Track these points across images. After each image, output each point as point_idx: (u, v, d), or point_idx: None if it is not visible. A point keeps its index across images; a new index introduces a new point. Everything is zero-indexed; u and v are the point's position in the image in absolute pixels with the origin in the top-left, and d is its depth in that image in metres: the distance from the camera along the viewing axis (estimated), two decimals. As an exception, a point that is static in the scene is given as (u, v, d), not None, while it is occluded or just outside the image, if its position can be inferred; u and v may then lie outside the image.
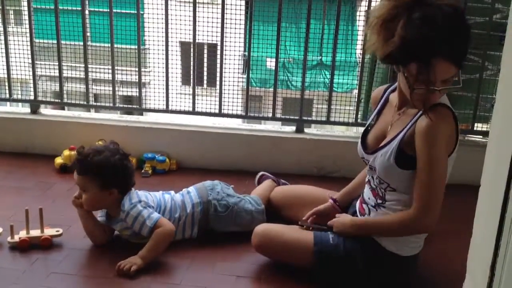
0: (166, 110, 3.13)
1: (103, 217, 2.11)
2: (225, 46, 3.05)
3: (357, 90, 3.14)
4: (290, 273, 1.93)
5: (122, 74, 3.34)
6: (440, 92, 1.65)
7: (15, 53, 3.16)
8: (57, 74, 3.16)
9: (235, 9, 3.09)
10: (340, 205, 2.10)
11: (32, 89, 3.18)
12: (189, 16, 2.99)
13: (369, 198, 1.90)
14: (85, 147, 2.08)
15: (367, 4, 2.92)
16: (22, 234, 2.06)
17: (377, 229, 1.83)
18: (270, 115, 3.14)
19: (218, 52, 3.06)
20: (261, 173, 2.67)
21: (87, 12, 3.26)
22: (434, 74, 1.60)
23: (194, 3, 2.96)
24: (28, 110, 3.20)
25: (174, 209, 2.14)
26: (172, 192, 2.24)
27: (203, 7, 3.18)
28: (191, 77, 3.15)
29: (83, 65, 3.12)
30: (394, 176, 1.76)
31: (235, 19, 3.08)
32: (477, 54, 2.91)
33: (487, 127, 3.03)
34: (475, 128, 3.03)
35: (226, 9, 2.98)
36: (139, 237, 2.04)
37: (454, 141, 1.72)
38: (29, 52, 3.13)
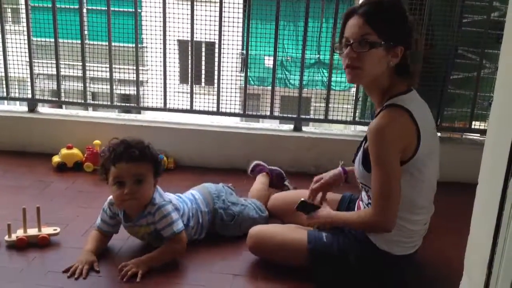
0: (164, 109, 3.13)
1: (114, 218, 2.04)
2: (223, 44, 3.04)
3: (355, 88, 3.14)
4: (286, 272, 1.93)
5: (120, 72, 3.33)
6: (351, 48, 1.70)
7: (12, 52, 3.16)
8: (54, 73, 3.16)
9: (233, 8, 3.09)
10: (347, 178, 2.11)
11: (29, 88, 3.17)
12: (187, 14, 2.99)
13: (364, 196, 1.92)
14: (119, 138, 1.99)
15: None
16: (20, 232, 2.06)
17: (344, 223, 1.87)
18: (268, 113, 3.14)
19: (216, 50, 3.06)
20: (254, 162, 2.68)
21: (84, 10, 3.25)
22: (347, 29, 1.74)
23: (192, 1, 2.96)
24: (25, 108, 3.20)
25: (188, 217, 2.11)
26: (183, 196, 2.19)
27: (201, 5, 3.17)
28: (189, 75, 3.15)
29: (80, 64, 3.12)
30: (369, 181, 1.78)
31: (233, 18, 3.07)
32: (475, 52, 2.91)
33: (484, 125, 3.04)
34: (472, 126, 3.04)
35: (224, 7, 2.98)
36: (151, 239, 2.01)
37: (414, 141, 1.70)
38: (27, 50, 3.12)
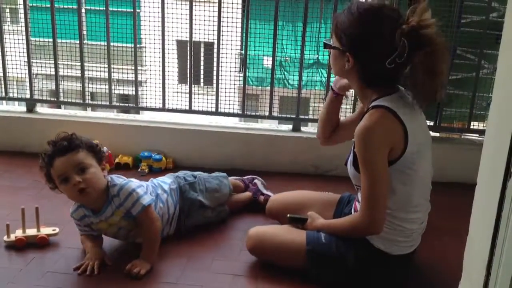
0: (163, 109, 3.12)
1: (84, 225, 2.02)
2: (222, 44, 3.04)
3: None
4: (286, 272, 1.93)
5: (118, 72, 3.33)
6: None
7: (11, 52, 3.15)
8: (53, 73, 3.15)
9: (232, 8, 3.09)
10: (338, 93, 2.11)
11: (28, 88, 3.17)
12: (186, 14, 2.99)
13: (360, 197, 1.91)
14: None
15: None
16: (18, 233, 2.06)
17: (335, 230, 1.88)
18: (267, 113, 3.14)
19: (215, 50, 3.06)
20: (255, 180, 2.62)
21: (83, 10, 3.25)
22: None
23: (191, 1, 2.96)
24: (24, 108, 3.19)
25: (154, 187, 2.14)
26: (144, 182, 2.16)
27: (200, 5, 3.17)
28: (188, 75, 3.15)
29: (79, 64, 3.12)
30: (361, 182, 1.78)
31: (232, 18, 3.07)
32: (474, 52, 2.91)
33: (483, 126, 3.04)
34: (471, 127, 3.04)
35: (223, 7, 2.97)
36: (127, 229, 2.01)
37: (401, 140, 1.70)
38: (25, 50, 3.12)
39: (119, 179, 2.01)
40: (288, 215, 2.03)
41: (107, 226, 2.01)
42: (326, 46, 1.87)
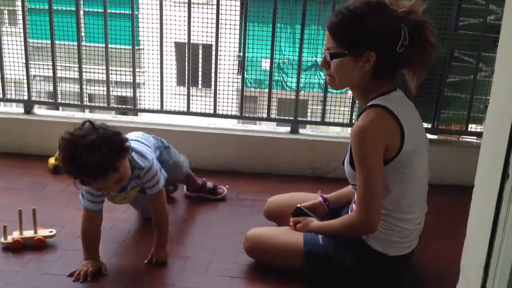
0: (161, 111, 3.12)
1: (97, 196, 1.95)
2: (220, 46, 3.05)
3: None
4: (284, 274, 1.92)
5: (116, 74, 3.32)
6: (324, 55, 1.77)
7: (9, 53, 3.15)
8: (51, 74, 3.15)
9: (230, 10, 3.09)
10: (329, 205, 2.13)
11: (26, 89, 3.17)
12: (184, 16, 2.99)
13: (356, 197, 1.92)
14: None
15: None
16: (15, 234, 2.05)
17: (329, 230, 1.89)
18: (265, 115, 3.14)
19: (213, 52, 3.06)
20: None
21: (81, 12, 3.25)
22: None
23: (189, 3, 2.96)
24: (22, 110, 3.19)
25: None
26: (145, 142, 2.17)
27: (198, 7, 3.18)
28: (186, 77, 3.15)
29: (77, 66, 3.12)
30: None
31: (230, 20, 3.07)
32: (471, 55, 2.92)
33: (481, 128, 3.04)
34: (469, 129, 3.04)
35: (221, 10, 2.98)
36: (141, 198, 2.13)
37: (397, 138, 1.70)
38: (23, 52, 3.12)
39: (142, 158, 1.98)
40: (298, 205, 2.04)
41: (121, 200, 2.11)
42: (337, 55, 1.73)
